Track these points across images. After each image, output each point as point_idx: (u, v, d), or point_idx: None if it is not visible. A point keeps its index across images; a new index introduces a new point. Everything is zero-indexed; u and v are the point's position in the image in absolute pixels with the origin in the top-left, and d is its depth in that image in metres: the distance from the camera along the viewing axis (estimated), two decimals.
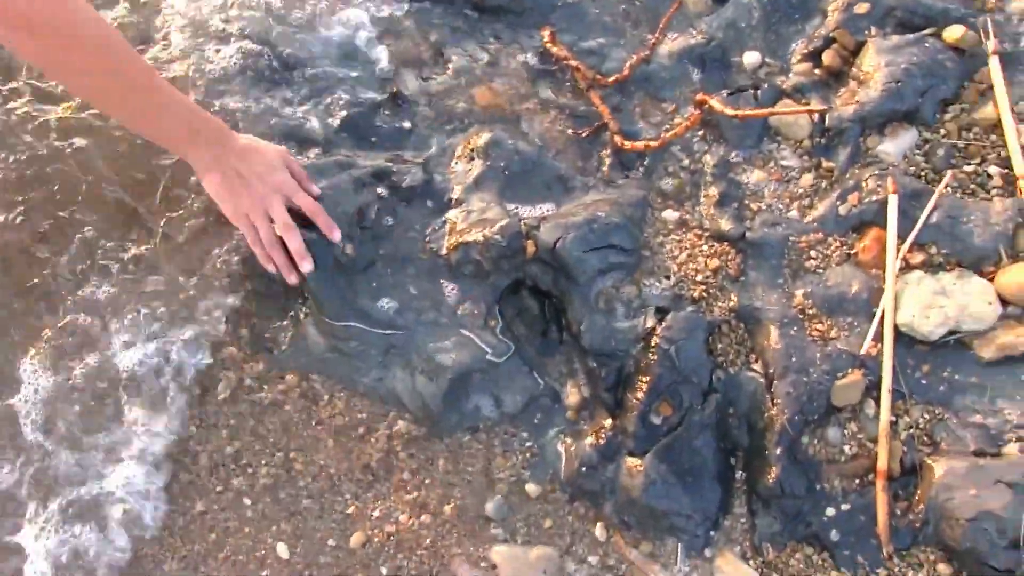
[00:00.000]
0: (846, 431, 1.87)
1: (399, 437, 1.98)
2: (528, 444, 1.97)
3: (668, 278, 2.01)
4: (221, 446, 1.97)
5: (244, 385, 2.03)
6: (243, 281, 2.08)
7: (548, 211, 2.06)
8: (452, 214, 2.06)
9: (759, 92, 2.20)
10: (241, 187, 1.85)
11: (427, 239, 2.05)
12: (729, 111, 1.97)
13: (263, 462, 1.97)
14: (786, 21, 2.35)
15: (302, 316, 2.06)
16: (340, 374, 2.02)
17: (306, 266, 1.92)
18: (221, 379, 2.02)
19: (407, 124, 2.24)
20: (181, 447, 1.96)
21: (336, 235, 1.96)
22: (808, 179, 2.12)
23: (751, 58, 2.26)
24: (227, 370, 2.03)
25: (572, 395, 1.98)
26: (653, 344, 1.90)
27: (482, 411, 1.99)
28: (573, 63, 2.21)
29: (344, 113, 2.23)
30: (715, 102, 2.00)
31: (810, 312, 1.95)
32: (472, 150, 2.16)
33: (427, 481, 1.96)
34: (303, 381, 2.03)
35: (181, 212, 2.11)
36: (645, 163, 2.16)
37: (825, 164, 2.14)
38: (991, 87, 2.13)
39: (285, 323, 2.06)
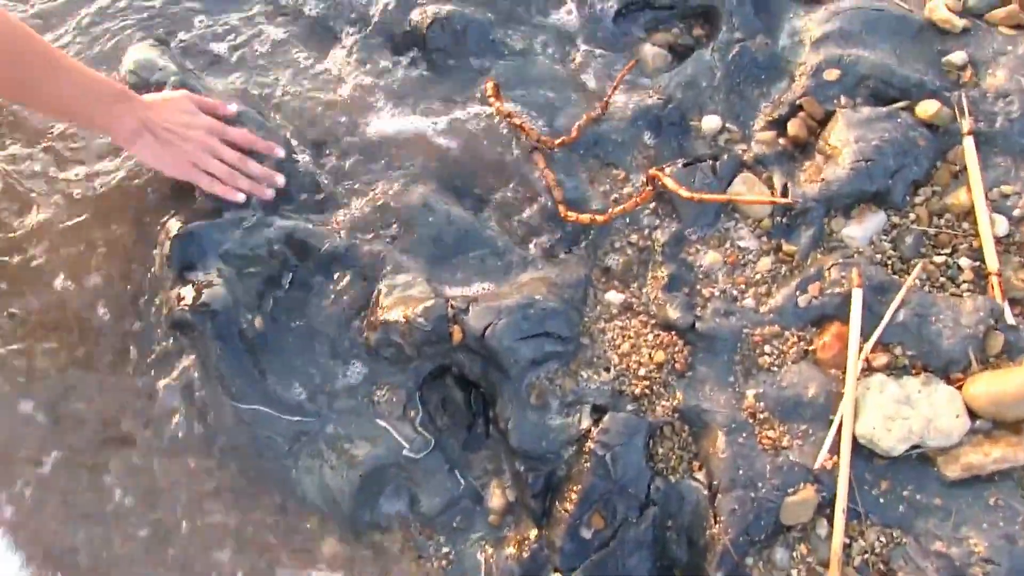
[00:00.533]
0: (795, 553, 1.70)
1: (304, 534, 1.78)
2: (445, 550, 1.79)
3: (608, 370, 1.83)
4: None
5: None
6: None
7: (480, 290, 1.85)
8: (374, 287, 1.84)
9: (718, 164, 2.00)
10: (176, 140, 1.85)
11: (345, 314, 1.83)
12: (683, 192, 1.78)
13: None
14: (751, 82, 2.17)
15: (197, 394, 1.85)
16: (237, 462, 1.82)
17: (279, 180, 1.98)
18: None
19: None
20: None
21: (280, 152, 2.00)
22: (766, 263, 1.94)
23: (711, 123, 2.08)
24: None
25: (496, 498, 1.79)
26: (587, 448, 1.72)
27: (397, 510, 1.79)
28: (517, 121, 1.99)
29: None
30: (668, 179, 1.81)
31: (761, 416, 1.78)
32: (397, 211, 1.94)
33: None
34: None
35: None
36: (590, 236, 1.96)
37: (786, 248, 1.96)
38: (965, 169, 1.97)
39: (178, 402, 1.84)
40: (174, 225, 1.91)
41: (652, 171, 1.86)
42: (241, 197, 1.90)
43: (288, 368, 1.85)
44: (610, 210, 1.92)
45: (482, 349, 1.78)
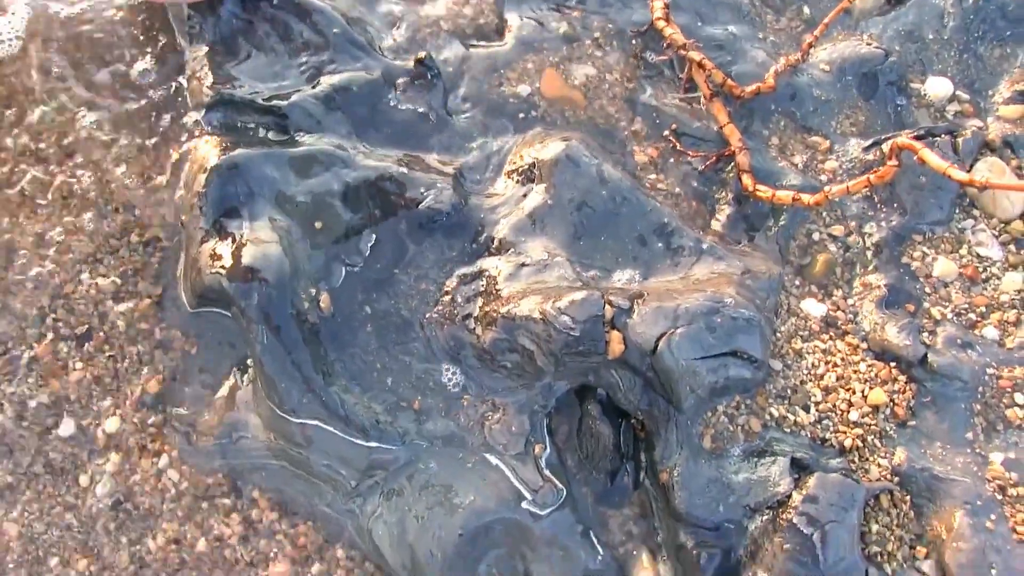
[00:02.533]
0: None
1: None
2: None
3: (807, 410, 1.28)
4: None
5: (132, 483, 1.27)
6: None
7: (639, 282, 1.30)
8: (492, 263, 1.27)
9: (959, 140, 1.45)
10: None
11: (449, 297, 1.27)
12: (957, 175, 1.22)
13: None
14: (993, 39, 1.62)
15: (240, 393, 1.29)
16: (289, 494, 1.26)
17: None
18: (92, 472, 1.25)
19: (434, 107, 1.45)
20: None
21: None
22: (1014, 281, 1.40)
23: (939, 87, 1.55)
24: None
25: (645, 573, 1.23)
26: (784, 520, 1.17)
27: None
28: (694, 56, 1.43)
29: (337, 79, 1.43)
30: (928, 154, 1.25)
31: (1014, 493, 1.23)
32: (531, 165, 1.38)
33: None
34: (231, 493, 1.26)
35: None
36: (781, 222, 1.40)
37: None
38: None
39: (214, 398, 1.29)
40: (210, 150, 1.33)
41: (902, 141, 1.31)
42: None
43: (363, 370, 1.29)
44: (828, 189, 1.36)
45: (649, 368, 1.22)
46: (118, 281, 1.41)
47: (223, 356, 1.37)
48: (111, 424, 1.35)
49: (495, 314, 1.32)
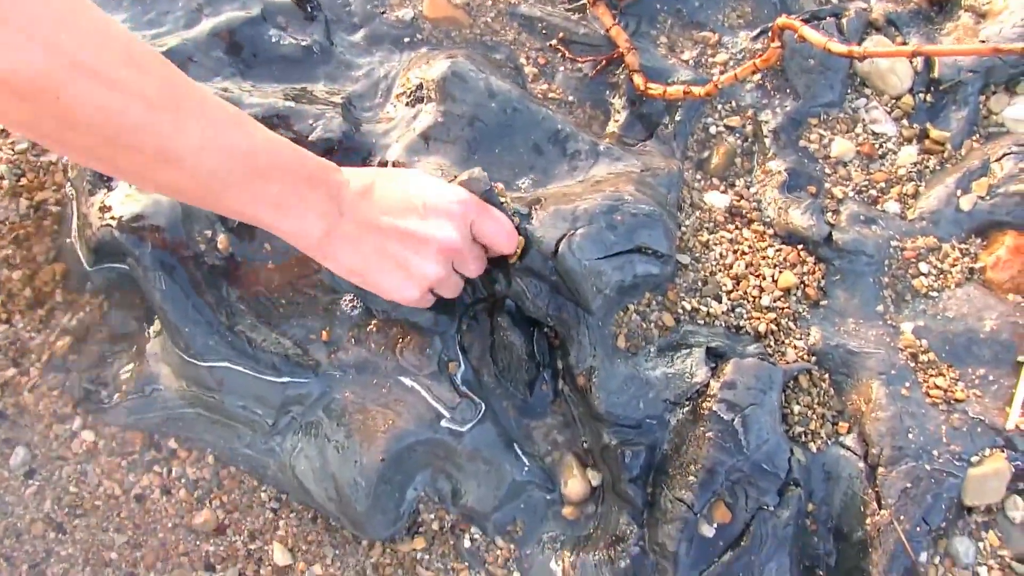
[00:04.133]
0: (982, 545, 1.24)
1: (298, 541, 1.22)
2: (503, 558, 1.22)
3: (719, 300, 1.28)
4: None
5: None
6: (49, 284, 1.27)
7: (539, 189, 1.29)
8: None
9: (843, 21, 1.45)
10: (408, 254, 1.14)
11: None
12: (836, 47, 1.22)
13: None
14: None
15: (148, 345, 1.26)
16: (208, 440, 1.24)
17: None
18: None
19: (317, 40, 1.41)
20: None
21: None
22: (911, 154, 1.42)
23: None
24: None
25: (573, 482, 1.25)
26: (705, 410, 1.17)
27: (433, 506, 1.23)
28: None
29: (215, 22, 1.39)
30: (808, 31, 1.25)
31: (925, 358, 1.25)
32: (419, 86, 1.36)
33: None
34: (149, 447, 1.24)
35: None
36: (676, 118, 1.40)
37: (933, 134, 1.43)
38: None
39: (121, 357, 1.26)
40: None
41: (783, 21, 1.31)
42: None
43: (267, 308, 1.26)
44: (716, 78, 1.35)
45: (553, 272, 1.21)
46: (12, 249, 1.37)
47: (128, 311, 1.33)
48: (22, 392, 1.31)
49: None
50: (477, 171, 1.21)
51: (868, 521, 1.22)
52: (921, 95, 1.52)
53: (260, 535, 1.27)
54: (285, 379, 1.26)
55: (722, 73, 1.50)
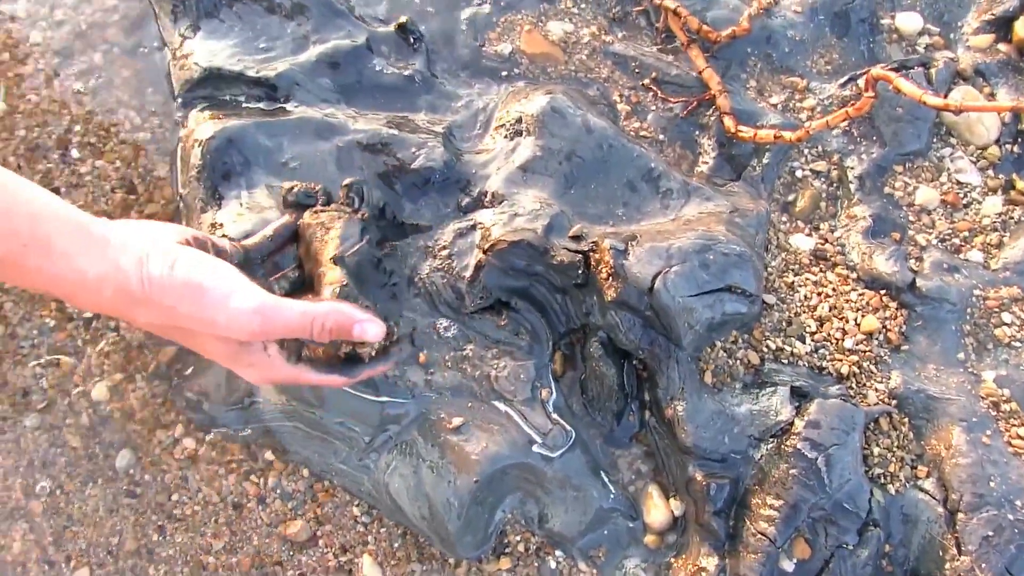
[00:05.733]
0: None
1: (387, 556, 1.26)
2: None
3: (803, 340, 1.31)
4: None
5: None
6: None
7: (632, 225, 1.33)
8: (486, 216, 1.30)
9: (932, 71, 1.48)
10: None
11: (446, 252, 1.30)
12: (932, 100, 1.25)
13: None
14: None
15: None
16: (304, 454, 1.28)
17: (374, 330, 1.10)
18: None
19: (419, 70, 1.47)
20: None
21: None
22: (995, 205, 1.44)
23: (909, 21, 1.58)
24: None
25: (656, 511, 1.28)
26: (789, 447, 1.20)
27: (519, 528, 1.27)
28: (669, 4, 1.45)
29: (322, 48, 1.45)
30: (903, 83, 1.29)
31: (1007, 408, 1.27)
32: (518, 120, 1.41)
33: None
34: (247, 457, 1.29)
35: None
36: (764, 161, 1.43)
37: (1020, 184, 1.45)
38: None
39: (223, 370, 1.31)
40: (204, 125, 1.36)
41: (877, 72, 1.34)
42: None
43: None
44: (808, 124, 1.39)
45: (646, 307, 1.25)
46: None
47: None
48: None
49: (491, 246, 1.35)
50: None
51: (947, 566, 1.25)
52: (1008, 146, 1.54)
53: (350, 548, 1.31)
54: (384, 398, 1.31)
55: (809, 118, 1.53)
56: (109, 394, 1.36)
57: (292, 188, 1.21)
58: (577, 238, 1.32)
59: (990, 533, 1.23)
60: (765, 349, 1.34)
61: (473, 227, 1.38)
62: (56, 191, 1.39)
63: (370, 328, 1.07)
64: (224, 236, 1.26)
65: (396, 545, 1.31)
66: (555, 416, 1.31)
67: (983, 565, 1.22)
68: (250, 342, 1.03)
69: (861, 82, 1.50)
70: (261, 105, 1.45)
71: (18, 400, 1.36)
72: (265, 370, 1.07)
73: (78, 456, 1.34)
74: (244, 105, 1.45)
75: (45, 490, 1.32)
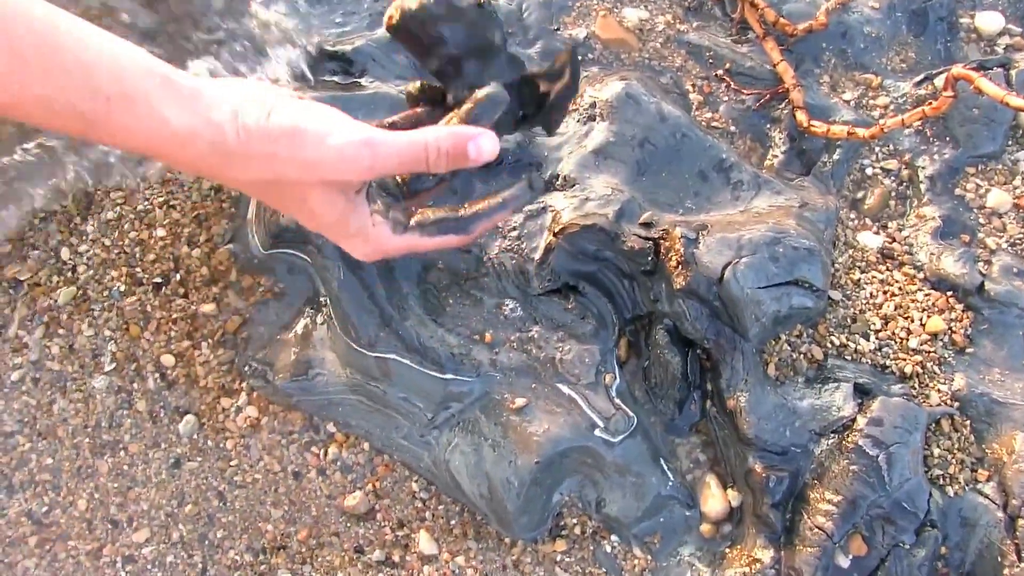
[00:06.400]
0: None
1: (444, 532, 1.28)
2: (639, 565, 1.27)
3: (867, 338, 1.30)
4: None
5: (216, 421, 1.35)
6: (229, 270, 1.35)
7: (702, 215, 1.33)
8: (557, 199, 1.31)
9: (1012, 72, 1.47)
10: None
11: (515, 232, 1.30)
12: (1015, 101, 1.24)
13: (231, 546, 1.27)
14: None
15: (316, 331, 1.32)
16: (366, 428, 1.29)
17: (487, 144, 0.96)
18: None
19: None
20: None
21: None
22: None
23: (989, 21, 1.57)
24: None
25: (713, 501, 1.28)
26: (850, 443, 1.20)
27: (576, 511, 1.28)
28: None
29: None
30: (985, 83, 1.28)
31: None
32: (592, 105, 1.41)
33: None
34: (309, 428, 1.30)
35: None
36: (834, 157, 1.43)
37: None
38: None
39: (288, 340, 1.32)
40: None
41: (958, 71, 1.33)
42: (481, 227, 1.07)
43: (436, 305, 1.32)
44: (883, 122, 1.38)
45: (714, 297, 1.25)
46: (192, 227, 1.44)
47: (296, 296, 1.40)
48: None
49: (562, 229, 1.36)
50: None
51: (1005, 572, 1.24)
52: None
53: (408, 523, 1.32)
54: (448, 376, 1.32)
55: (882, 116, 1.52)
56: (175, 360, 1.37)
57: (420, 84, 1.09)
58: (648, 225, 1.32)
59: None
60: (829, 345, 1.34)
61: (544, 209, 1.38)
62: None
63: (485, 143, 0.95)
64: None
65: (453, 522, 1.32)
66: (618, 401, 1.32)
67: None
68: (357, 204, 0.96)
69: (939, 81, 1.49)
70: (337, 79, 1.46)
71: (87, 361, 1.38)
72: (375, 241, 1.00)
73: (143, 419, 1.35)
74: (320, 79, 1.46)
75: (110, 450, 1.34)
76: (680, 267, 1.29)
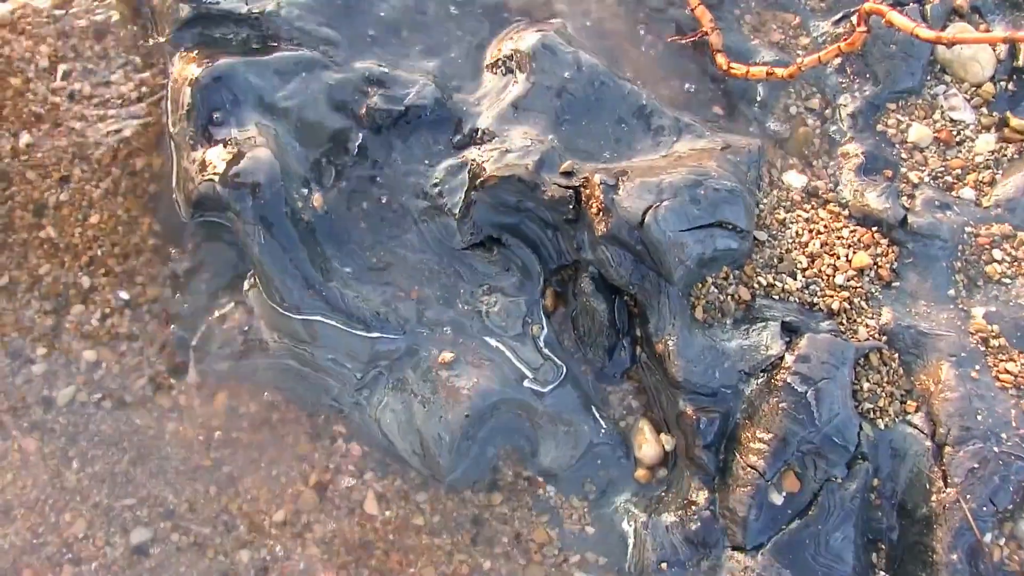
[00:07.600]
0: None
1: (385, 494, 1.27)
2: (577, 513, 1.27)
3: (794, 277, 1.31)
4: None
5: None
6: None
7: (623, 161, 1.32)
8: (476, 153, 1.30)
9: (927, 7, 1.47)
10: None
11: (437, 189, 1.29)
12: (924, 33, 1.24)
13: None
14: None
15: (247, 299, 1.31)
16: (298, 391, 1.28)
17: None
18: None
19: (414, 12, 1.46)
20: None
21: None
22: (988, 143, 1.44)
23: None
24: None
25: (647, 445, 1.29)
26: (779, 381, 1.20)
27: (512, 463, 1.28)
28: None
29: None
30: (897, 16, 1.28)
31: (996, 343, 1.28)
32: (510, 56, 1.39)
33: (423, 562, 1.25)
34: (245, 395, 1.30)
35: None
36: (758, 98, 1.42)
37: (1013, 123, 1.44)
38: None
39: (216, 309, 1.31)
40: (192, 65, 1.34)
41: (870, 6, 1.33)
42: None
43: (360, 264, 1.31)
44: (800, 60, 1.38)
45: (637, 241, 1.25)
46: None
47: (223, 264, 1.38)
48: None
49: (483, 180, 1.35)
50: None
51: (933, 499, 1.26)
52: (1003, 83, 1.54)
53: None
54: (375, 334, 1.31)
55: (805, 56, 1.52)
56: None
57: None
58: (568, 174, 1.31)
59: (975, 465, 1.24)
60: (756, 285, 1.34)
61: (464, 164, 1.37)
62: None
63: None
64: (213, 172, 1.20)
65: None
66: (546, 351, 1.32)
67: (968, 496, 1.23)
68: None
69: (854, 18, 1.49)
70: (252, 44, 1.44)
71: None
72: None
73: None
74: (234, 44, 1.44)
75: None
76: (601, 214, 1.28)
